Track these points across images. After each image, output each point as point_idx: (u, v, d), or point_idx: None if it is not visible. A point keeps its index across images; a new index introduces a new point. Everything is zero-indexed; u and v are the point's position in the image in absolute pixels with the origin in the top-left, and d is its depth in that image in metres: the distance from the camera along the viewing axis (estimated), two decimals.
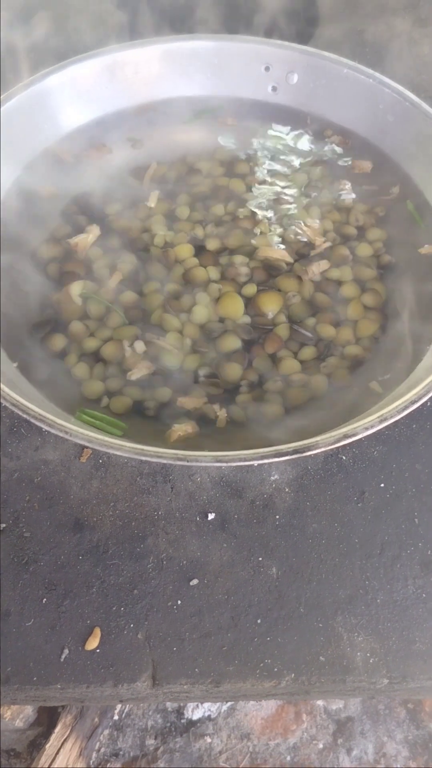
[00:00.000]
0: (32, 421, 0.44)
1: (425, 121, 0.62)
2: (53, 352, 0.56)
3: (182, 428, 0.50)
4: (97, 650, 0.47)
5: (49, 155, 0.67)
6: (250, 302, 0.58)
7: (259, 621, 0.48)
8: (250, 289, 0.59)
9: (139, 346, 0.56)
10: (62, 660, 0.47)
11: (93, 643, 0.47)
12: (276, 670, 0.47)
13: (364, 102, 0.66)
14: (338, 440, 0.44)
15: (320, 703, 0.78)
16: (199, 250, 0.62)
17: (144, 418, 0.53)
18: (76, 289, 0.58)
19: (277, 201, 0.65)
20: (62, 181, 0.66)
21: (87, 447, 0.54)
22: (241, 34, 0.70)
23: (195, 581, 0.50)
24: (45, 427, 0.44)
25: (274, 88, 0.70)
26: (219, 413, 0.52)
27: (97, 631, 0.48)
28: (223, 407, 0.53)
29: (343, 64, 0.66)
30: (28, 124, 0.63)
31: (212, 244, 0.62)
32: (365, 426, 0.44)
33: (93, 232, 0.61)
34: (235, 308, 0.58)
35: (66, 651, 0.47)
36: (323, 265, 0.59)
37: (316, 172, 0.67)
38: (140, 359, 0.55)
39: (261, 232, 0.63)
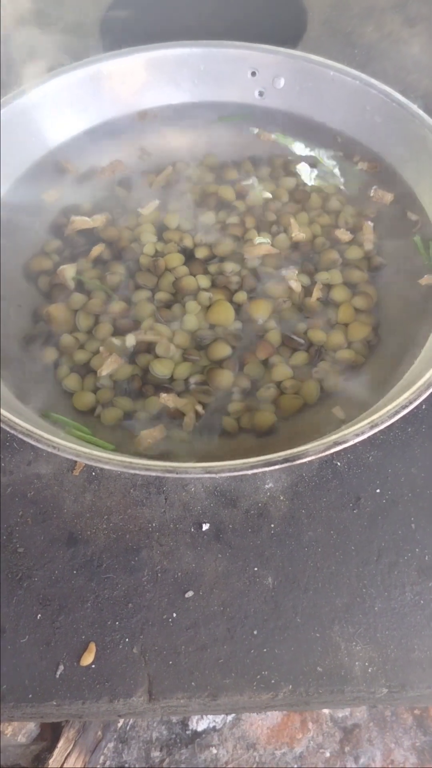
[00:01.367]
0: (21, 436, 0.44)
1: (412, 121, 0.61)
2: (45, 364, 0.56)
3: (150, 434, 0.50)
4: (93, 666, 0.47)
5: (48, 167, 0.67)
6: (240, 309, 0.58)
7: (255, 632, 0.48)
8: (241, 296, 0.58)
9: (130, 339, 0.56)
10: (57, 676, 0.46)
11: (88, 659, 0.47)
12: (273, 681, 0.46)
13: (351, 104, 0.66)
14: (328, 447, 0.43)
15: (326, 711, 0.77)
16: (189, 258, 0.61)
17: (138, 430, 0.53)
18: (69, 272, 0.59)
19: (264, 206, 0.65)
20: (51, 193, 0.66)
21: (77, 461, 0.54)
22: (227, 40, 0.70)
23: (190, 593, 0.49)
24: (33, 442, 0.43)
25: (261, 93, 0.70)
26: (188, 417, 0.52)
27: (92, 647, 0.47)
28: (200, 407, 0.53)
29: (330, 67, 0.66)
30: (13, 139, 0.63)
31: (201, 253, 0.62)
32: (356, 432, 0.44)
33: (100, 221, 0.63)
34: (225, 315, 0.57)
35: (61, 667, 0.47)
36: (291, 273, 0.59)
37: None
38: (109, 355, 0.55)
39: (247, 237, 0.62)
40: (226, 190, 0.66)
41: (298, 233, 0.62)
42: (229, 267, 0.60)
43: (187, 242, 0.62)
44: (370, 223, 0.62)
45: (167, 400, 0.52)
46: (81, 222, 0.62)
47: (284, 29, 0.87)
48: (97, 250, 0.61)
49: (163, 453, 0.51)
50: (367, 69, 0.68)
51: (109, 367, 0.54)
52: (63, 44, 0.87)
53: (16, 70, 0.80)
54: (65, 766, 0.67)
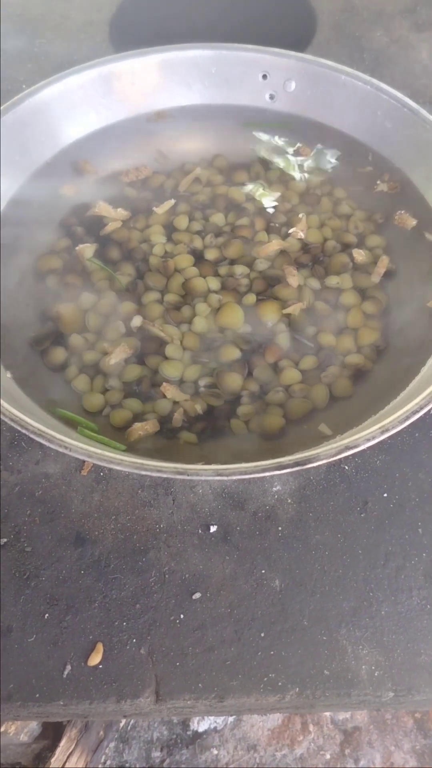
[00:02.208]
0: (31, 436, 0.44)
1: (423, 126, 0.62)
2: (54, 365, 0.56)
3: (142, 427, 0.50)
4: (100, 666, 0.47)
5: (60, 166, 0.67)
6: (250, 312, 0.58)
7: (262, 634, 0.48)
8: (250, 299, 0.59)
9: (137, 320, 0.57)
10: (65, 676, 0.46)
11: (95, 659, 0.47)
12: (280, 684, 0.46)
13: (362, 108, 0.66)
14: (340, 452, 0.43)
15: (327, 713, 0.77)
16: (199, 259, 0.62)
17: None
18: (87, 252, 0.60)
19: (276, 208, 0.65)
20: (68, 188, 0.66)
21: (87, 461, 0.54)
22: (239, 43, 0.70)
23: (197, 595, 0.49)
24: (44, 442, 0.44)
25: (272, 96, 0.70)
26: (177, 413, 0.52)
27: (100, 647, 0.47)
28: (199, 404, 0.53)
29: (341, 71, 0.66)
30: (26, 137, 0.63)
31: (211, 254, 0.62)
32: (366, 437, 0.44)
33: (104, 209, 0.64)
34: (235, 318, 0.58)
35: (68, 667, 0.47)
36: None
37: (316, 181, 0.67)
38: (119, 343, 0.55)
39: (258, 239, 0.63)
40: (235, 192, 0.66)
41: (305, 232, 0.62)
42: (239, 270, 0.60)
43: (197, 244, 0.62)
44: (386, 257, 0.61)
45: (167, 389, 0.52)
46: (105, 209, 0.62)
47: (294, 33, 0.87)
48: (113, 226, 0.62)
49: (158, 449, 0.51)
50: (375, 73, 0.69)
51: (118, 355, 0.54)
52: (71, 44, 0.88)
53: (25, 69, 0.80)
54: (67, 765, 0.67)
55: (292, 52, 0.68)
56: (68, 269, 0.61)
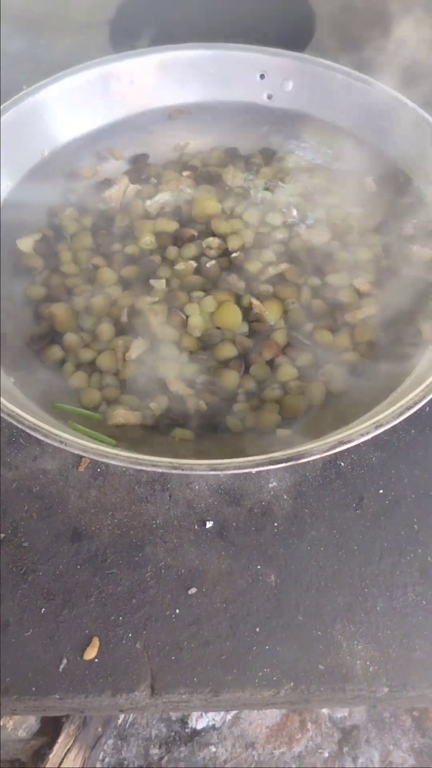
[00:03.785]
0: (28, 431, 0.44)
1: (420, 124, 0.62)
2: (51, 362, 0.56)
3: (124, 415, 0.51)
4: (96, 660, 0.47)
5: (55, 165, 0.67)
6: (246, 310, 0.58)
7: (257, 629, 0.48)
8: (247, 299, 0.59)
9: (159, 283, 0.59)
10: (61, 670, 0.47)
11: (91, 653, 0.47)
12: (275, 678, 0.46)
13: (359, 107, 0.67)
14: (333, 447, 0.43)
15: (325, 711, 0.78)
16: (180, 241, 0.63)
17: (142, 427, 0.53)
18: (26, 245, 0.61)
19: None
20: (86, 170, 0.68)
21: (82, 456, 0.54)
22: (237, 43, 0.70)
23: (193, 590, 0.49)
24: (40, 437, 0.44)
25: (270, 96, 0.71)
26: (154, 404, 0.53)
27: (96, 641, 0.48)
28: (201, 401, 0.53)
29: (337, 70, 0.66)
30: (24, 137, 0.63)
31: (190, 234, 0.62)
32: (360, 432, 0.44)
33: (123, 182, 0.64)
34: (233, 318, 0.58)
35: (65, 661, 0.47)
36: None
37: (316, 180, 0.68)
38: (135, 340, 0.56)
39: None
40: (228, 174, 0.67)
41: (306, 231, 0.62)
42: (233, 279, 0.60)
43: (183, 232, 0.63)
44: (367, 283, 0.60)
45: (172, 384, 0.53)
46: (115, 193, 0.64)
47: (293, 33, 0.87)
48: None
49: (154, 446, 0.51)
50: (374, 73, 0.69)
51: (137, 349, 0.55)
52: (72, 45, 0.88)
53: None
54: (65, 761, 0.67)
55: (289, 52, 0.68)
56: (56, 268, 0.61)
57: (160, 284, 0.59)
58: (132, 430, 0.53)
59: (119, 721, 0.77)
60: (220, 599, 0.49)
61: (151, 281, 0.60)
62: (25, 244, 0.62)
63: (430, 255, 0.60)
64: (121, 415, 0.51)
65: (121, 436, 0.51)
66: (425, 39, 0.89)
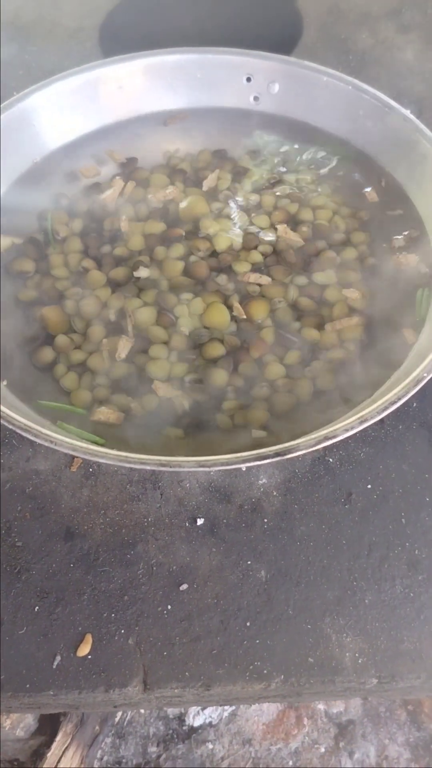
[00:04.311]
0: (18, 431, 0.45)
1: (404, 125, 0.63)
2: (43, 364, 0.57)
3: (106, 413, 0.52)
4: (89, 656, 0.48)
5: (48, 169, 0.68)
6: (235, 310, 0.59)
7: (248, 624, 0.49)
8: (234, 300, 0.59)
9: (143, 271, 0.60)
10: (54, 667, 0.47)
11: (84, 650, 0.48)
12: (265, 672, 0.47)
13: (344, 108, 0.67)
14: (319, 442, 0.44)
15: (321, 707, 0.78)
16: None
17: (133, 426, 0.54)
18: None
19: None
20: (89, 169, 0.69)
21: (74, 456, 0.55)
22: (224, 46, 0.71)
23: (185, 586, 0.50)
24: (31, 437, 0.45)
25: (256, 98, 0.72)
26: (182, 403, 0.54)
27: (89, 638, 0.48)
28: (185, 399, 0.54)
29: (323, 72, 0.67)
30: (12, 143, 0.64)
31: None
32: (345, 428, 0.45)
33: (117, 185, 0.66)
34: (220, 318, 0.58)
35: (58, 658, 0.48)
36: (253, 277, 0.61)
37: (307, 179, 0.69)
38: (120, 339, 0.57)
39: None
40: (219, 176, 0.68)
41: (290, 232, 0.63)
42: (222, 280, 0.61)
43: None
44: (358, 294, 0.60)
45: (158, 387, 0.53)
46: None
47: (280, 35, 0.88)
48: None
49: (144, 445, 0.52)
50: (361, 75, 0.70)
51: (124, 349, 0.56)
52: (62, 51, 0.89)
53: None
54: (63, 759, 0.68)
55: (275, 55, 0.69)
56: (46, 271, 0.62)
57: (144, 273, 0.60)
58: (121, 430, 0.54)
59: (117, 720, 0.77)
60: (211, 595, 0.50)
61: (136, 273, 0.60)
62: (4, 243, 0.62)
63: (416, 261, 0.60)
64: (102, 413, 0.52)
65: (111, 435, 0.52)
66: (410, 40, 0.90)
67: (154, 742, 0.77)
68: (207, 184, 0.67)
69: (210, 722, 0.77)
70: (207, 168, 0.70)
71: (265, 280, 0.60)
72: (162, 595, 0.50)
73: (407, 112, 0.64)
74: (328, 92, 0.68)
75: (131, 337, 0.57)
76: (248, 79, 0.71)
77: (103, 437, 0.51)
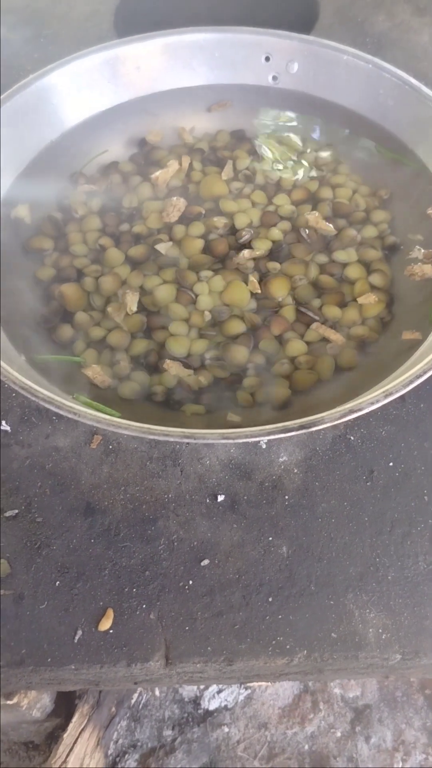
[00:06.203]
0: (41, 403, 0.45)
1: (424, 104, 0.62)
2: (62, 341, 0.57)
3: (96, 370, 0.53)
4: (110, 631, 0.47)
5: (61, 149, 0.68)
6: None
7: (270, 599, 0.48)
8: (255, 277, 0.59)
9: (164, 246, 0.60)
10: (76, 641, 0.47)
11: (106, 624, 0.48)
12: (288, 647, 0.47)
13: (364, 87, 0.67)
14: (344, 415, 0.44)
15: (337, 691, 0.78)
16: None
17: (152, 404, 0.54)
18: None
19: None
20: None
21: (96, 428, 0.55)
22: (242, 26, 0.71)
23: (206, 561, 0.50)
24: (54, 409, 0.44)
25: (275, 78, 0.71)
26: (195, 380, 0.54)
27: (110, 612, 0.48)
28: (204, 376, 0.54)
29: (343, 51, 0.66)
30: (30, 121, 0.64)
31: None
32: (370, 401, 0.45)
33: (173, 167, 0.65)
34: (240, 296, 0.58)
35: (79, 632, 0.47)
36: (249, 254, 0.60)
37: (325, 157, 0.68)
38: (127, 294, 0.57)
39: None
40: (238, 155, 0.67)
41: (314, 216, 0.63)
42: (241, 258, 0.60)
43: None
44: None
45: (170, 366, 0.53)
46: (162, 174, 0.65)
47: (297, 18, 0.88)
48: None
49: (165, 421, 0.51)
50: (377, 57, 0.69)
51: (132, 301, 0.56)
52: (77, 34, 0.89)
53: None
54: (79, 741, 0.68)
55: (294, 34, 0.68)
56: (64, 250, 0.62)
57: (165, 247, 0.60)
58: (142, 406, 0.53)
59: (132, 702, 0.77)
60: (232, 570, 0.50)
61: (157, 246, 0.60)
62: (22, 210, 0.62)
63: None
64: (93, 370, 0.53)
65: (131, 411, 0.52)
66: (427, 23, 0.89)
67: (170, 725, 0.77)
68: (225, 174, 0.66)
69: (225, 705, 0.77)
70: (225, 148, 0.69)
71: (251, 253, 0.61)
72: (183, 570, 0.50)
73: (428, 90, 0.63)
74: (347, 71, 0.67)
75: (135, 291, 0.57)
76: (267, 59, 0.70)
77: (123, 412, 0.51)
